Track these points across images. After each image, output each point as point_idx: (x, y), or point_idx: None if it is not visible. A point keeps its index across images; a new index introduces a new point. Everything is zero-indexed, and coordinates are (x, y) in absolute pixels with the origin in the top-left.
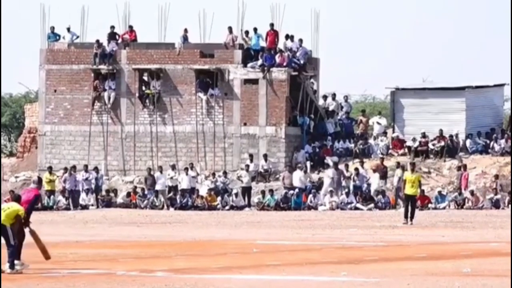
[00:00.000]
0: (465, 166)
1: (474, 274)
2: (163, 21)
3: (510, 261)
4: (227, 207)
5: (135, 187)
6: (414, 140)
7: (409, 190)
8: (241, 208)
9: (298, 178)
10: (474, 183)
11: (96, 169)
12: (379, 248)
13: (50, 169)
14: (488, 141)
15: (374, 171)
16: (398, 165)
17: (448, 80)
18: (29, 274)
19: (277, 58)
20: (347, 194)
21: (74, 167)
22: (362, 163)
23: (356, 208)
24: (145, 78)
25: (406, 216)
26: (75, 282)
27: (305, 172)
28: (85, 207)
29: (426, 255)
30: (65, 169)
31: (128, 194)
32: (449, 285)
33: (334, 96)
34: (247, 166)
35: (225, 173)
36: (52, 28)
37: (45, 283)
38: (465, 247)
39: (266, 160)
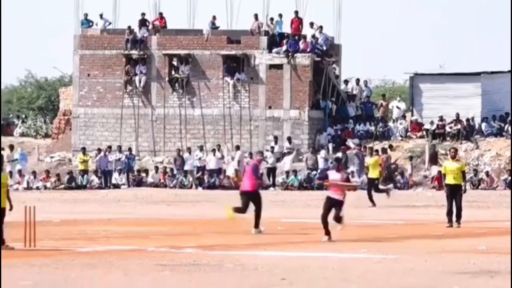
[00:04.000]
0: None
1: (488, 251)
2: (192, 9)
3: (510, 242)
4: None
5: (165, 167)
6: (431, 123)
7: (451, 180)
8: (266, 188)
9: (321, 159)
10: (489, 165)
11: (129, 149)
12: (398, 227)
13: (83, 150)
14: (502, 124)
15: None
16: None
17: (464, 65)
18: (63, 250)
19: (301, 44)
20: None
21: (109, 147)
22: (391, 146)
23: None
24: (175, 63)
25: (449, 214)
26: (107, 257)
27: (328, 153)
28: (117, 186)
29: (442, 234)
30: (98, 149)
31: (156, 169)
32: (465, 262)
33: (358, 81)
34: (272, 147)
35: (250, 154)
36: (86, 15)
37: (79, 259)
38: (480, 226)
39: (290, 142)
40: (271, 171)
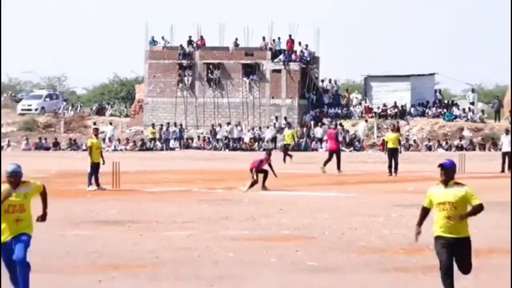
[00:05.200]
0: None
1: (416, 192)
2: (221, 33)
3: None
4: (261, 149)
5: (204, 136)
6: (378, 108)
7: (390, 145)
8: (271, 150)
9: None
10: (415, 135)
11: (181, 125)
12: (356, 175)
13: (152, 125)
14: (424, 109)
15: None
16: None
17: (400, 70)
18: (137, 190)
19: (293, 56)
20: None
21: (168, 123)
22: (354, 125)
23: (342, 150)
24: (210, 68)
25: (390, 166)
26: (166, 195)
27: (311, 128)
28: (172, 149)
29: (385, 180)
30: (161, 125)
31: (198, 138)
32: (400, 198)
33: (330, 80)
34: (274, 124)
35: (260, 128)
36: (152, 37)
37: (148, 196)
38: (410, 175)
39: (286, 120)
40: (274, 139)
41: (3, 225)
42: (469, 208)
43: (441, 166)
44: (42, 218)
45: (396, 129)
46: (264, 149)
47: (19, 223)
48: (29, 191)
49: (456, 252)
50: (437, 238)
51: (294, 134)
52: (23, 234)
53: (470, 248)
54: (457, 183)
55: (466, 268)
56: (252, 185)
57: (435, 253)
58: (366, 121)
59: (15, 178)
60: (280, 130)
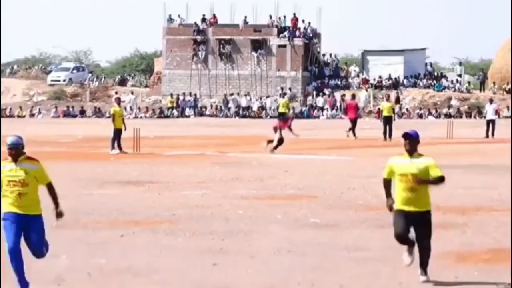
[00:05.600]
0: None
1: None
2: (232, 12)
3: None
4: (268, 117)
5: (216, 105)
6: (374, 79)
7: (385, 113)
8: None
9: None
10: (408, 104)
11: (195, 95)
12: (355, 141)
13: (171, 95)
14: (416, 80)
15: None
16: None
17: (394, 45)
18: (156, 154)
19: (297, 33)
20: (336, 109)
21: (184, 93)
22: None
23: (341, 118)
24: (222, 43)
25: (385, 133)
26: (182, 158)
27: (312, 97)
28: (188, 116)
29: (381, 145)
30: (177, 95)
31: (211, 106)
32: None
33: (330, 54)
34: (280, 94)
35: (267, 97)
36: (170, 15)
37: (166, 159)
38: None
39: (290, 90)
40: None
41: (7, 200)
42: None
43: (406, 135)
44: (59, 215)
45: (396, 100)
46: (271, 117)
47: (22, 197)
48: (32, 169)
49: (415, 225)
50: (398, 211)
51: (288, 103)
52: (34, 219)
53: (430, 221)
54: (420, 155)
55: (424, 240)
56: (279, 143)
57: (392, 223)
58: (367, 90)
59: (16, 150)
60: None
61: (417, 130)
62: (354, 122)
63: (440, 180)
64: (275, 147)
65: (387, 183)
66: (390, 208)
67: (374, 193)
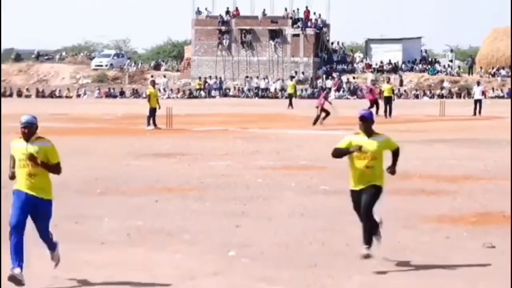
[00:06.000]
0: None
1: (406, 131)
2: (252, 5)
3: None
4: (284, 97)
5: (239, 87)
6: (376, 64)
7: (386, 94)
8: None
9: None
10: (406, 86)
11: (220, 78)
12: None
13: (199, 78)
14: (413, 65)
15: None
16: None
17: (394, 34)
18: (186, 130)
19: (309, 24)
20: (343, 90)
21: (210, 77)
22: (356, 77)
23: (347, 98)
24: (244, 33)
25: (385, 111)
26: (210, 133)
27: (322, 80)
28: (214, 97)
29: (383, 121)
30: (205, 78)
31: (234, 88)
32: (394, 136)
33: (338, 43)
34: (293, 77)
35: (283, 80)
36: (198, 8)
37: (195, 134)
38: (401, 118)
39: (303, 74)
40: (294, 88)
41: (19, 179)
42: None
43: (361, 118)
44: (43, 164)
45: (400, 83)
46: (286, 97)
47: (33, 178)
48: (43, 146)
49: (364, 197)
50: (353, 192)
51: (295, 85)
52: (44, 203)
53: (378, 194)
54: (377, 134)
55: (367, 211)
56: (316, 119)
57: (352, 206)
58: (372, 72)
59: (29, 129)
60: (298, 82)
61: (371, 111)
62: (377, 103)
63: (398, 151)
64: (324, 118)
65: (341, 149)
66: (360, 148)
67: None
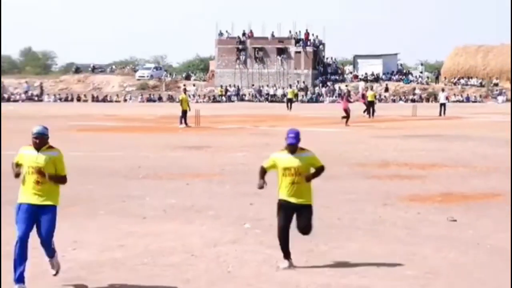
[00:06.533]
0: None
1: (386, 128)
2: (263, 29)
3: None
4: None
5: (253, 94)
6: (362, 75)
7: (370, 99)
8: (291, 102)
9: (317, 91)
10: (386, 92)
11: (238, 86)
12: (351, 119)
13: (221, 86)
14: (391, 76)
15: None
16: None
17: (376, 51)
18: (211, 127)
19: (308, 43)
20: (335, 96)
21: (230, 85)
22: (346, 85)
23: (338, 102)
24: (257, 50)
25: (369, 113)
26: (228, 130)
27: (319, 88)
28: (233, 101)
29: (367, 121)
30: (226, 86)
31: (249, 94)
32: (376, 132)
33: (331, 58)
34: (296, 86)
35: (278, 88)
36: (220, 30)
37: (218, 131)
38: (381, 118)
39: (304, 83)
40: (296, 95)
41: (24, 188)
42: (312, 171)
43: (289, 145)
44: (51, 177)
45: (385, 89)
46: (288, 100)
47: (39, 185)
48: (52, 155)
49: (297, 214)
50: (280, 201)
51: (294, 92)
52: (48, 208)
53: (311, 213)
54: (302, 149)
55: (305, 229)
56: (345, 118)
57: (276, 215)
58: (361, 81)
59: (41, 139)
60: (300, 90)
61: (298, 131)
62: (369, 106)
63: (322, 169)
64: (347, 120)
65: (263, 170)
66: (260, 187)
67: (362, 154)
